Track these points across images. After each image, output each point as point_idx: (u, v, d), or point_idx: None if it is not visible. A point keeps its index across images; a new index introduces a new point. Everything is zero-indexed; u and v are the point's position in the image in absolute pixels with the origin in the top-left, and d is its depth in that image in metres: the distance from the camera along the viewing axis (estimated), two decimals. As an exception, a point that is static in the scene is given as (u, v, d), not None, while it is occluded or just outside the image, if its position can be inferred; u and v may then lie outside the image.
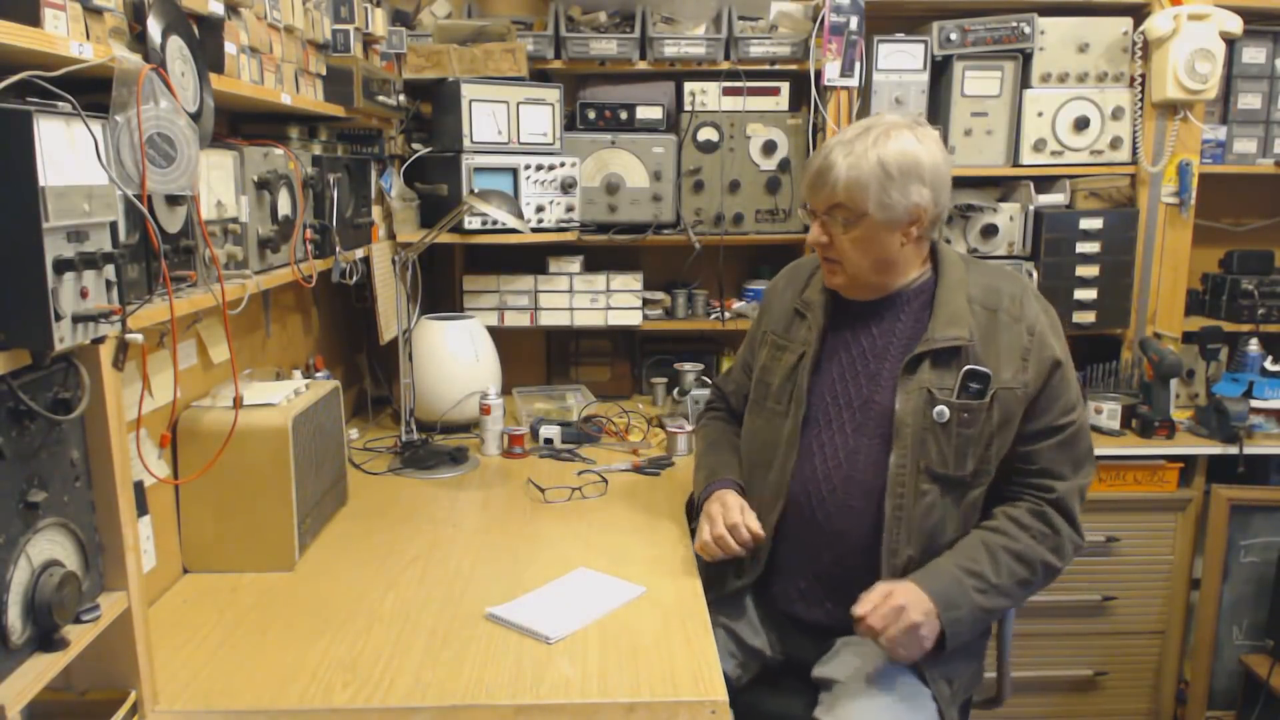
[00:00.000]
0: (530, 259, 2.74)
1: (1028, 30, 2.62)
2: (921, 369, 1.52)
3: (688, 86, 2.70)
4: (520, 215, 2.19)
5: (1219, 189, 2.83)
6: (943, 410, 1.50)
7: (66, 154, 0.98)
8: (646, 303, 2.77)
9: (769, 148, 2.73)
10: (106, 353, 1.09)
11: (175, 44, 1.28)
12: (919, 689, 1.50)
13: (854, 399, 1.59)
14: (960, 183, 2.79)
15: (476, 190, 2.36)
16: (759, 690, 1.70)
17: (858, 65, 2.60)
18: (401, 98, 2.46)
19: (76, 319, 0.99)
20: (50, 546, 1.03)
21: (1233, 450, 2.52)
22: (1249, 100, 2.73)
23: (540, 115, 2.54)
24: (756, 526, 1.59)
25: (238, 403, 1.58)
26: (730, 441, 1.84)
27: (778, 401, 1.67)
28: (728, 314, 2.83)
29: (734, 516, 1.59)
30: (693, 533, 1.85)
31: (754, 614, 1.70)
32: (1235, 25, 2.56)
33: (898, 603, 1.42)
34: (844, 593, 1.51)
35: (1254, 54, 2.72)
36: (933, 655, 1.46)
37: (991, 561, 1.47)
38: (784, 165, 2.73)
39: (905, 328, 1.59)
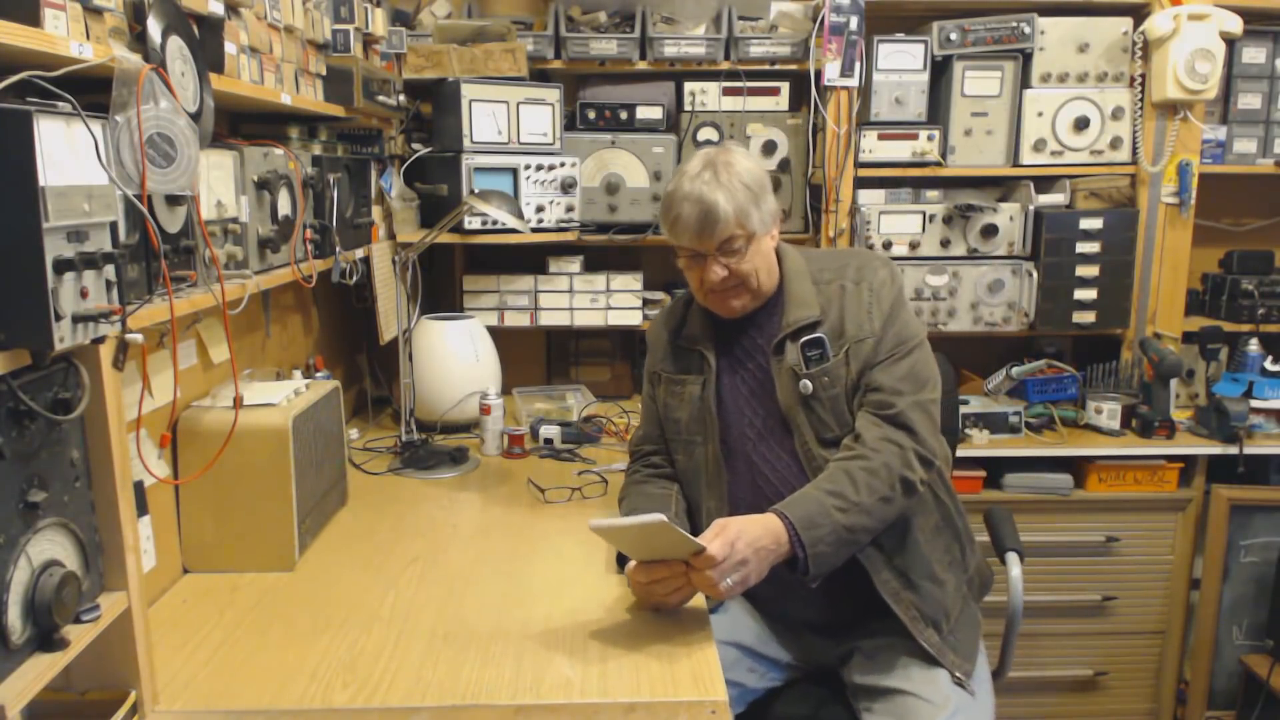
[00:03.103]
0: (530, 259, 2.74)
1: (1028, 30, 2.62)
2: (786, 352, 1.63)
3: (688, 86, 2.70)
4: (520, 215, 2.19)
5: (1219, 189, 2.84)
6: (806, 384, 1.60)
7: (66, 154, 0.98)
8: (646, 303, 2.77)
9: (769, 148, 2.73)
10: (106, 353, 1.09)
11: (175, 44, 1.28)
12: (932, 672, 1.53)
13: (762, 410, 1.66)
14: (960, 183, 2.80)
15: (476, 190, 2.36)
16: (789, 698, 1.69)
17: (858, 65, 2.60)
18: (401, 98, 2.46)
19: (76, 319, 0.99)
20: (50, 546, 1.03)
21: (1233, 450, 2.52)
22: (1249, 100, 2.74)
23: (540, 115, 2.54)
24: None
25: (238, 403, 1.58)
26: (651, 490, 1.76)
27: (694, 433, 1.70)
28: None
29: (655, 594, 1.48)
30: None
31: (764, 626, 1.71)
32: (1235, 25, 2.56)
33: (732, 538, 1.40)
34: (839, 586, 1.54)
35: (1254, 54, 2.72)
36: (794, 576, 1.47)
37: (849, 481, 1.50)
38: (784, 165, 2.73)
39: (781, 324, 1.66)
